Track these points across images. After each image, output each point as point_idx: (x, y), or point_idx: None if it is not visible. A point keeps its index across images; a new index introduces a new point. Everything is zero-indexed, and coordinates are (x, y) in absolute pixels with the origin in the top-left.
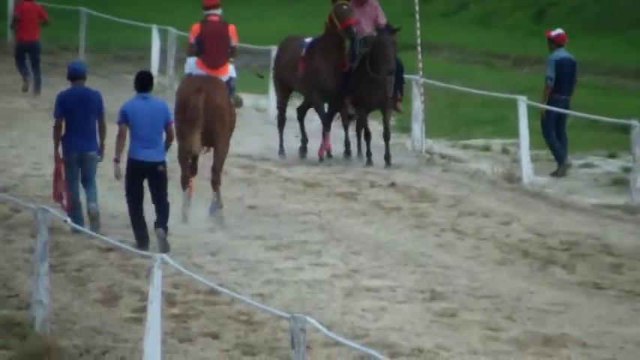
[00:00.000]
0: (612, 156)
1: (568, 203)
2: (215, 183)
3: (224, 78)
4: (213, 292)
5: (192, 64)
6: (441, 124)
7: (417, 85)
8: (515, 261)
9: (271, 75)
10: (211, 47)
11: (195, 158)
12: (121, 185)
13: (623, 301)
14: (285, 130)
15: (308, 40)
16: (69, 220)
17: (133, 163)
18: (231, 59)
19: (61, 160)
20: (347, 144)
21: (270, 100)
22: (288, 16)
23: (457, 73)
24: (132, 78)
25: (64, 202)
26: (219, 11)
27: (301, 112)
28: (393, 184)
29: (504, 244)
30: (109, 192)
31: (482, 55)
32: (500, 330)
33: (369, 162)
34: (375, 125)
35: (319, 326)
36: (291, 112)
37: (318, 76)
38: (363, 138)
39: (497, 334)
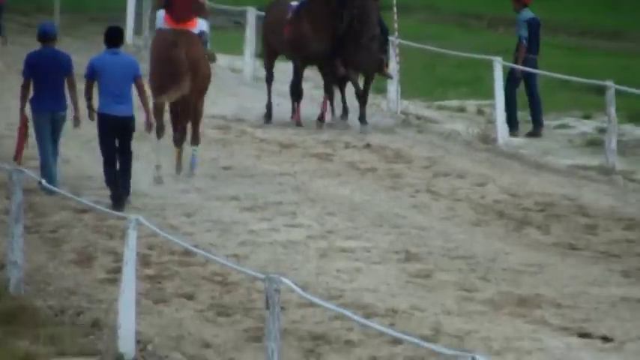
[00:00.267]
0: (587, 117)
1: (543, 164)
2: (195, 136)
3: (194, 32)
4: (188, 253)
5: (161, 18)
6: (417, 85)
7: (392, 46)
8: (490, 222)
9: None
10: (176, 1)
11: (179, 120)
12: (96, 146)
13: (597, 262)
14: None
15: (295, 3)
16: (43, 181)
17: (103, 119)
18: (202, 16)
19: (25, 120)
20: (345, 107)
21: (245, 62)
22: None
23: (432, 34)
24: None
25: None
26: None
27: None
28: (368, 145)
29: (479, 205)
30: (84, 153)
31: (458, 16)
32: (475, 291)
33: (364, 124)
34: (348, 86)
35: (294, 287)
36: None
37: (303, 41)
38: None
39: (471, 294)
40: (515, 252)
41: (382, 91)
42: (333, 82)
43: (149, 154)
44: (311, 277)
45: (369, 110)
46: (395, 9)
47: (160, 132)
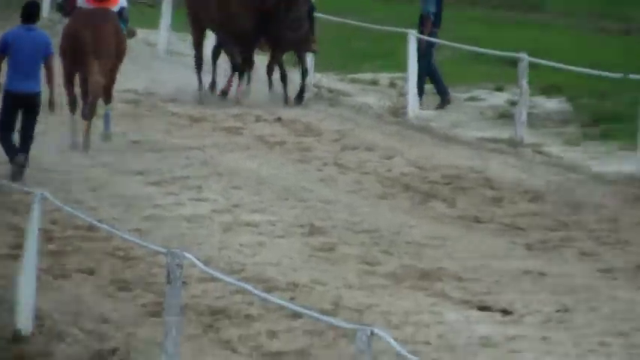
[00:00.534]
0: (499, 89)
1: (452, 137)
2: (108, 96)
3: (115, 9)
4: (91, 228)
5: None
6: (331, 59)
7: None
8: (396, 195)
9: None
10: None
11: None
12: None
13: (501, 235)
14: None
15: None
16: None
17: (9, 94)
18: None
19: None
20: (270, 84)
21: (160, 35)
22: None
23: (351, 7)
24: None
25: None
26: None
27: (216, 53)
28: (279, 119)
29: (386, 178)
30: None
31: None
32: (377, 264)
33: (300, 100)
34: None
35: (196, 261)
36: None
37: (231, 17)
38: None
39: (373, 268)
40: (419, 225)
41: (296, 64)
42: (248, 60)
43: (57, 128)
44: (214, 251)
45: (277, 84)
46: None
47: (72, 106)
